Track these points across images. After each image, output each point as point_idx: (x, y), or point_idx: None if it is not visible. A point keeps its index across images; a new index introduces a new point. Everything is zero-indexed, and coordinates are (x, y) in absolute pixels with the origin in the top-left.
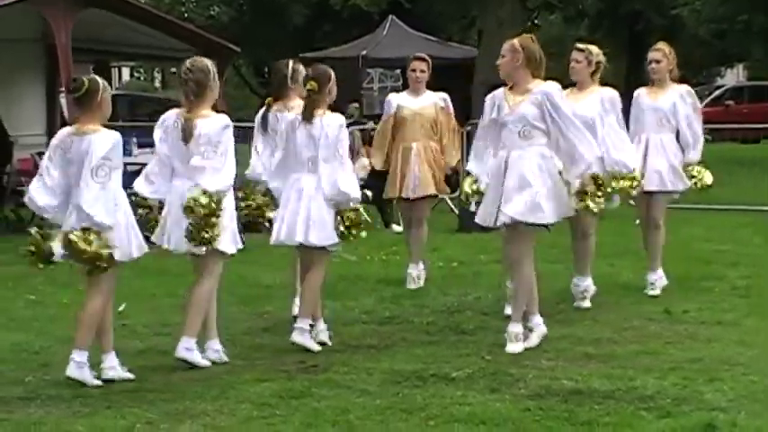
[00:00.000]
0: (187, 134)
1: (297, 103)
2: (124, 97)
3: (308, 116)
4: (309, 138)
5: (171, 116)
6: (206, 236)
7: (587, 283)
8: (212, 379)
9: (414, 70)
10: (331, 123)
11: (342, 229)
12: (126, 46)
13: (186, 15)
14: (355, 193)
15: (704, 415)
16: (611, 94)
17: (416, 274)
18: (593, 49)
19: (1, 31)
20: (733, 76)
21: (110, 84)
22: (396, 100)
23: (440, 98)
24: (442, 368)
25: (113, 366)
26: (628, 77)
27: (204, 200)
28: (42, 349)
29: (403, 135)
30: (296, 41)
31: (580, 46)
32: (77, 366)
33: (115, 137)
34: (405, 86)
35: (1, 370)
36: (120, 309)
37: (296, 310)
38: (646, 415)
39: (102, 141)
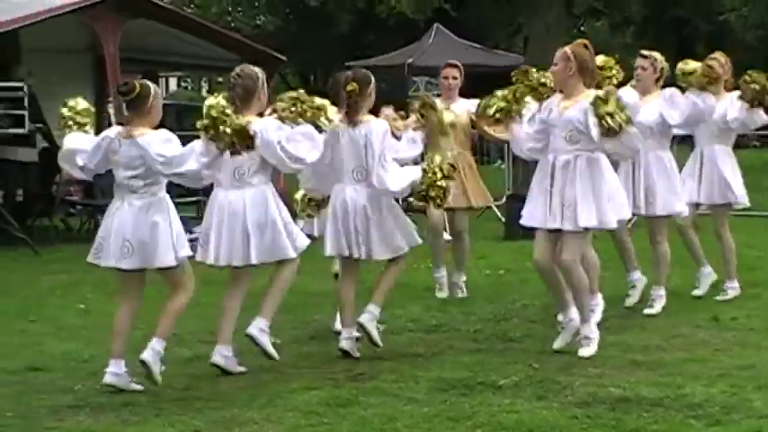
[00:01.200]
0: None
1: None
2: (171, 107)
3: (351, 121)
4: (353, 145)
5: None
6: None
7: (659, 293)
8: (260, 387)
9: (446, 77)
10: (376, 130)
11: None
12: (173, 56)
13: (233, 25)
14: (403, 185)
15: (753, 423)
16: (672, 90)
17: (461, 282)
18: (658, 55)
19: (50, 41)
20: None
21: None
22: None
23: (473, 105)
24: (489, 376)
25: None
26: (674, 83)
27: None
28: (92, 358)
29: (438, 144)
30: (342, 50)
31: (645, 53)
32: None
33: (167, 134)
34: None
35: (51, 378)
36: None
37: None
38: (694, 423)
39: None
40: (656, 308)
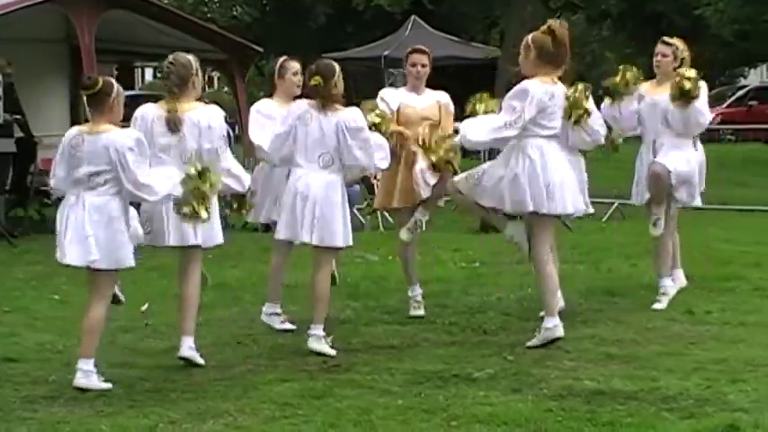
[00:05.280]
0: (174, 125)
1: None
2: (147, 97)
3: (322, 107)
4: (323, 132)
5: (149, 110)
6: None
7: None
8: (235, 378)
9: (414, 65)
10: (351, 118)
11: None
12: (149, 46)
13: (209, 16)
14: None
15: (727, 416)
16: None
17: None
18: (679, 44)
19: (25, 31)
20: (756, 77)
21: (133, 84)
22: (395, 97)
23: (442, 97)
24: (464, 368)
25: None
26: (649, 78)
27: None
28: (66, 348)
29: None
30: (318, 42)
31: (667, 40)
32: (84, 375)
33: (133, 134)
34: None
35: (25, 369)
36: (143, 308)
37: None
38: (668, 416)
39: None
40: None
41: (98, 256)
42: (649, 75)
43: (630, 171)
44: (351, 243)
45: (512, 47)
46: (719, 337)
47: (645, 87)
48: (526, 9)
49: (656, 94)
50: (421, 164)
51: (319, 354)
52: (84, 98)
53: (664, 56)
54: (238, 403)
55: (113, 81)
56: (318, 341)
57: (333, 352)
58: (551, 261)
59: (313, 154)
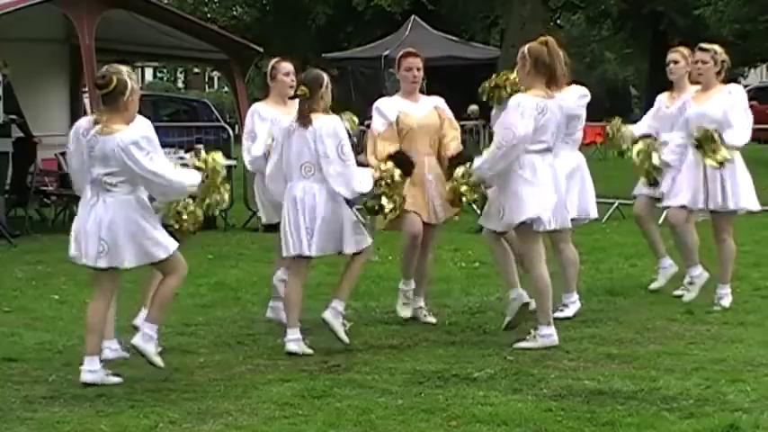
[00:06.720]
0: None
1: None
2: (147, 97)
3: (303, 122)
4: (304, 144)
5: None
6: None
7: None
8: (234, 378)
9: (410, 69)
10: (326, 125)
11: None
12: (149, 46)
13: (209, 16)
14: (368, 186)
15: (727, 416)
16: (738, 86)
17: (424, 307)
18: (718, 48)
19: (25, 31)
20: (756, 77)
21: None
22: (393, 106)
23: (439, 102)
24: (464, 368)
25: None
26: (649, 78)
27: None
28: (66, 348)
29: (408, 149)
30: (319, 42)
31: (705, 46)
32: (90, 372)
33: (142, 130)
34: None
35: (25, 369)
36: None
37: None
38: (668, 416)
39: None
40: (725, 303)
41: (104, 257)
42: (650, 77)
43: (629, 170)
44: (361, 247)
45: (511, 47)
46: (719, 337)
47: (690, 96)
48: (525, 8)
49: (703, 104)
50: (432, 191)
51: (303, 354)
52: (94, 97)
53: (703, 62)
54: (238, 403)
55: (127, 79)
56: (297, 344)
57: (310, 351)
58: (546, 270)
59: (297, 165)
